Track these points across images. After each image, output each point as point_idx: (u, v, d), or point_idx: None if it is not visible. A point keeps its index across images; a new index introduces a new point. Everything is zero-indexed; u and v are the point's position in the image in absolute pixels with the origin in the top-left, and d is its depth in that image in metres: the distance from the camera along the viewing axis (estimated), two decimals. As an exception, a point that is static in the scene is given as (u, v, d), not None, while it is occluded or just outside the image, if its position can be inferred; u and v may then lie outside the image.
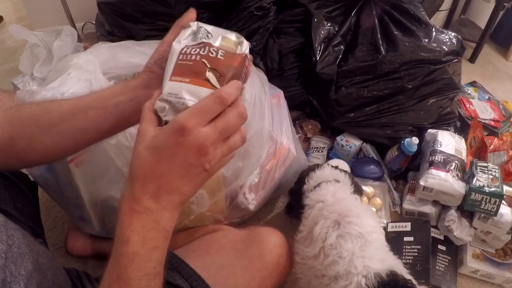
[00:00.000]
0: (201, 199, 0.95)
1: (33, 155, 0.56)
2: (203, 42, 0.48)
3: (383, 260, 0.74)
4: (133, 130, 0.87)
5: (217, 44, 0.48)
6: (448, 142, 1.26)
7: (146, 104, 0.44)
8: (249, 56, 0.50)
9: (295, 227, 0.92)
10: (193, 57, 0.46)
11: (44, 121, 0.54)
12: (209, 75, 0.44)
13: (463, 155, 1.25)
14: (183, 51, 0.47)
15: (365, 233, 0.78)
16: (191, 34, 0.49)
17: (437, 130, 1.31)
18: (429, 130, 1.33)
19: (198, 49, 0.46)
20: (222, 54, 0.46)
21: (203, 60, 0.45)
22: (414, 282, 0.72)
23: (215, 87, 0.43)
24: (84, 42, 1.90)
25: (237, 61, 0.47)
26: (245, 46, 0.49)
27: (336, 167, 1.03)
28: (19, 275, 0.47)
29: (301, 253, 0.84)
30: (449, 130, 1.36)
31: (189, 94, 0.43)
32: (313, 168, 1.02)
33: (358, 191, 1.02)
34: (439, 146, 1.24)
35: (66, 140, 0.56)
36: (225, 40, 0.49)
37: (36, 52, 1.68)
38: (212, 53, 0.46)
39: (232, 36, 0.50)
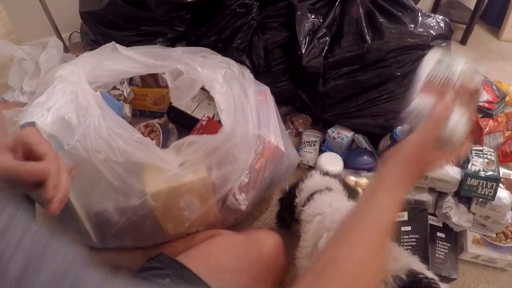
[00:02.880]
0: (192, 205, 0.94)
1: None
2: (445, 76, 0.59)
3: (398, 258, 0.71)
4: (122, 144, 0.87)
5: (457, 77, 0.58)
6: (441, 127, 1.24)
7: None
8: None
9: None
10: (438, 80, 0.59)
11: None
12: (448, 96, 0.57)
13: (457, 140, 1.23)
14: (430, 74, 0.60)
15: None
16: (436, 62, 0.61)
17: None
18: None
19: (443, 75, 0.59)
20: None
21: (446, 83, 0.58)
22: (436, 278, 0.70)
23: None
24: (72, 51, 1.90)
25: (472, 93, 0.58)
26: (479, 78, 0.59)
27: (326, 173, 1.00)
28: None
29: None
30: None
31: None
32: (302, 178, 0.98)
33: (352, 194, 0.99)
34: (432, 132, 1.22)
35: None
36: (464, 72, 0.59)
37: (24, 66, 1.68)
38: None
39: (469, 67, 0.59)
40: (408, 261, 0.72)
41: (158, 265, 0.80)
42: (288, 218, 0.98)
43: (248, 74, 1.12)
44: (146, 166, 0.86)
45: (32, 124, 0.82)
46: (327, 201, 0.86)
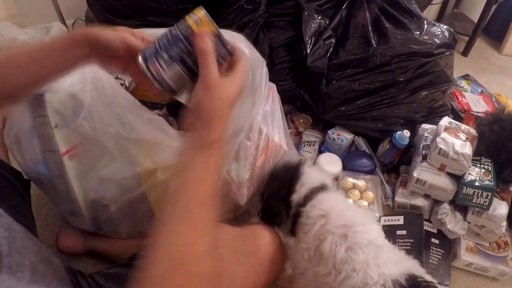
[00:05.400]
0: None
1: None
2: None
3: (398, 262, 0.71)
4: (131, 118, 0.86)
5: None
6: (441, 135, 1.24)
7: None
8: None
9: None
10: None
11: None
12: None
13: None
14: None
15: (373, 239, 0.75)
16: None
17: (431, 126, 1.29)
18: (423, 125, 1.32)
19: None
20: None
21: None
22: (434, 281, 0.70)
23: None
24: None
25: None
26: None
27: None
28: (24, 265, 0.49)
29: (311, 272, 0.80)
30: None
31: None
32: (288, 170, 0.93)
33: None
34: (431, 139, 1.23)
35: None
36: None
37: (26, 49, 1.67)
38: None
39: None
40: (407, 264, 0.72)
41: None
42: (282, 213, 0.92)
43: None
44: (156, 145, 0.85)
45: (41, 96, 0.81)
46: (332, 202, 0.84)
